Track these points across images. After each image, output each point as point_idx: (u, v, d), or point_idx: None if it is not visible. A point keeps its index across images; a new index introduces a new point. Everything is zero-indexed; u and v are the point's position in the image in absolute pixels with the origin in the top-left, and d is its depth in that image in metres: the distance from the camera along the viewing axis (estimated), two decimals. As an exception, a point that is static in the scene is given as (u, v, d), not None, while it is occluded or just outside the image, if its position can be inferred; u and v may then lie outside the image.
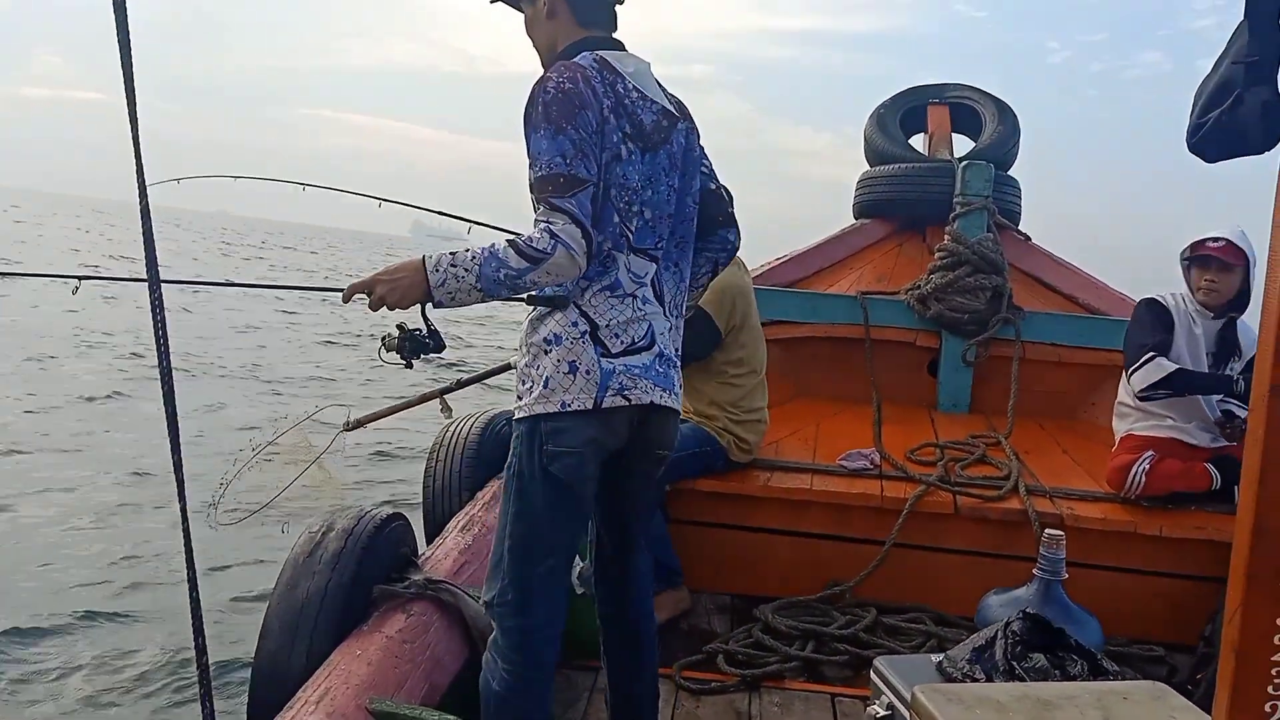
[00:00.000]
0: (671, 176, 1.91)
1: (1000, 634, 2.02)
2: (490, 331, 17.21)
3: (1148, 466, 3.08)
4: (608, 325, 1.80)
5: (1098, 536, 3.03)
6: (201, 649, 1.28)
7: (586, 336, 1.79)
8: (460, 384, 3.38)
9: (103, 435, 7.30)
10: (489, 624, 2.26)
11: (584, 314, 1.80)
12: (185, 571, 1.32)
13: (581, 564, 2.46)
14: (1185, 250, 3.14)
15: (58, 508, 5.51)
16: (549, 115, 1.72)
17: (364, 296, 1.77)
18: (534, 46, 1.98)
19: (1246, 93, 1.38)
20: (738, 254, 3.26)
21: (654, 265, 1.88)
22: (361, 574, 2.19)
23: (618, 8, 1.95)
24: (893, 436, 3.73)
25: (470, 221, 3.90)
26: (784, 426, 3.89)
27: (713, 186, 2.07)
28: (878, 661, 2.07)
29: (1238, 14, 1.39)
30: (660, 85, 1.96)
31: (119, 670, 3.74)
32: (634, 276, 1.84)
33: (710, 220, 2.07)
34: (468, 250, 1.72)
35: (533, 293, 1.78)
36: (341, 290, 1.81)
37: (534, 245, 1.67)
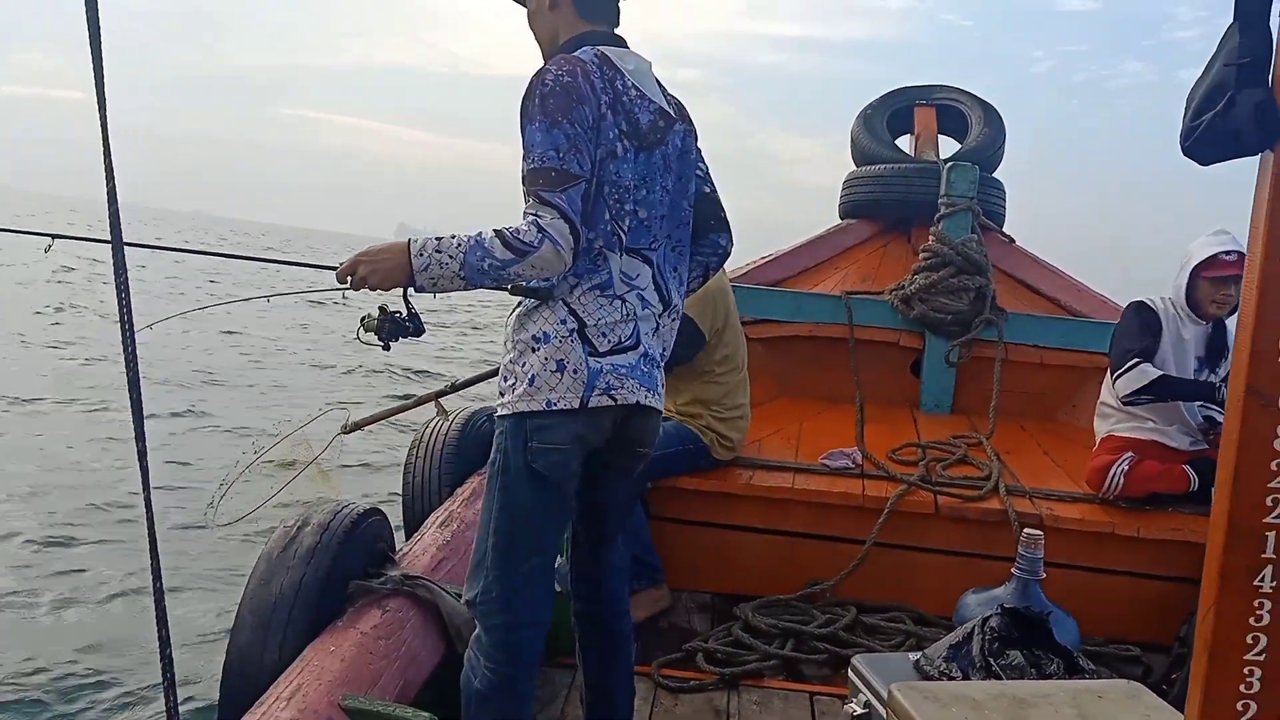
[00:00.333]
0: (666, 177, 1.90)
1: (977, 630, 2.02)
2: (485, 339, 17.14)
3: (1126, 467, 3.10)
4: (595, 324, 1.79)
5: (1076, 537, 3.04)
6: (165, 640, 1.26)
7: (575, 335, 1.78)
8: (455, 387, 3.36)
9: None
10: (466, 620, 2.24)
11: (572, 311, 1.79)
12: (150, 564, 1.30)
13: (559, 560, 2.45)
14: (1196, 264, 3.04)
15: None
16: (545, 108, 1.71)
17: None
18: (535, 39, 1.96)
19: (1239, 95, 1.38)
20: None
21: (648, 268, 1.87)
22: (337, 569, 2.17)
23: (621, 3, 1.94)
24: (875, 436, 3.74)
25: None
26: (767, 425, 3.89)
27: (707, 190, 2.05)
28: (855, 660, 2.07)
29: (1220, 25, 1.40)
30: (660, 85, 1.95)
31: (77, 660, 3.66)
32: (625, 277, 1.82)
33: (703, 224, 2.05)
34: (454, 237, 1.71)
35: (516, 283, 1.77)
36: (309, 265, 1.80)
37: (520, 238, 1.65)
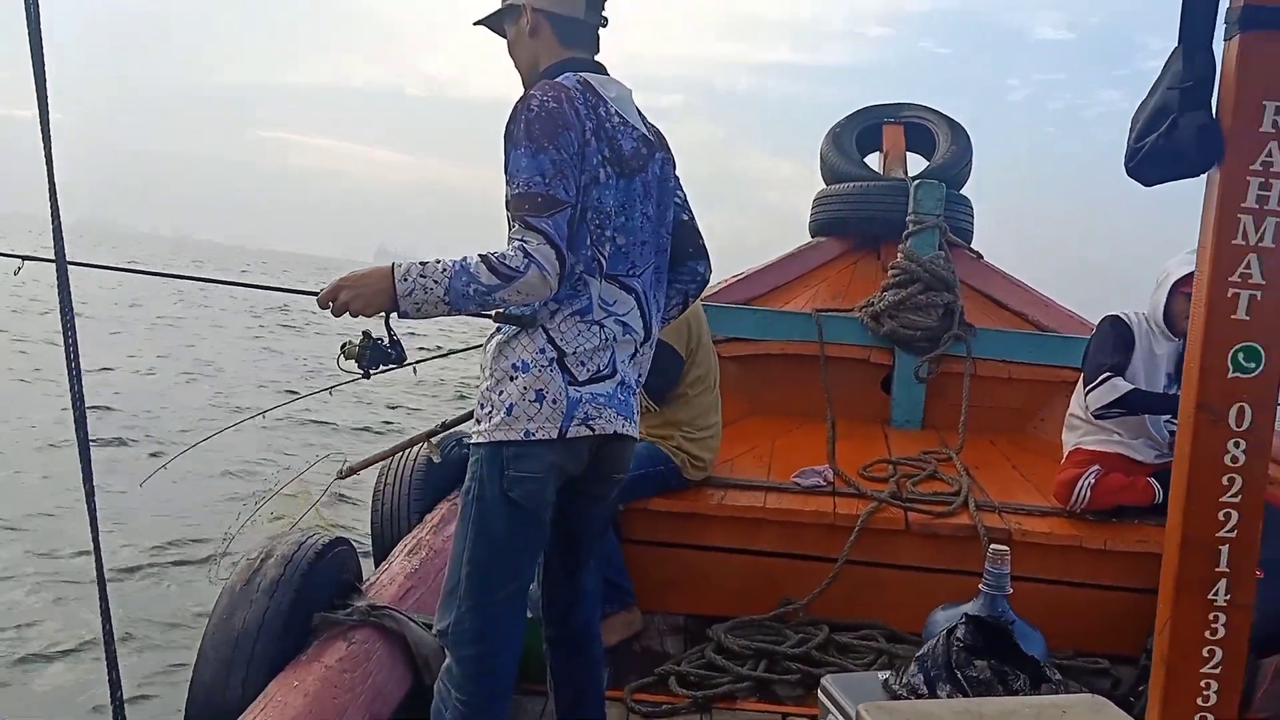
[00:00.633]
0: (646, 204, 1.91)
1: (944, 641, 2.03)
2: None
3: (1093, 481, 3.13)
4: (574, 352, 1.79)
5: (1045, 550, 3.06)
6: (115, 683, 1.24)
7: (554, 364, 1.78)
8: (446, 426, 3.35)
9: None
10: (434, 650, 2.22)
11: (551, 340, 1.78)
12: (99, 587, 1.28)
13: (531, 585, 2.44)
14: (1176, 280, 3.06)
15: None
16: (531, 133, 1.71)
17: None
18: (516, 66, 1.97)
19: (1182, 117, 1.42)
20: None
21: (627, 294, 1.87)
22: (301, 601, 2.15)
23: (600, 30, 1.95)
24: (847, 453, 3.75)
25: None
26: (739, 444, 3.89)
27: (685, 218, 2.06)
28: (825, 680, 2.07)
29: None
30: (640, 113, 1.96)
31: (23, 694, 3.57)
32: (603, 303, 1.83)
33: (681, 251, 2.06)
34: (438, 262, 1.70)
35: (500, 310, 1.76)
36: (289, 290, 1.78)
37: (507, 263, 1.65)
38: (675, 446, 3.22)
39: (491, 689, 1.84)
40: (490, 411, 1.79)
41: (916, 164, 5.58)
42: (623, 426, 1.86)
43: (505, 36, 1.97)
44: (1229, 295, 1.39)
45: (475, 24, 1.99)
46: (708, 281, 2.20)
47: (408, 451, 3.43)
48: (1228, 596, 1.47)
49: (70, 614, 4.26)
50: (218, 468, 6.76)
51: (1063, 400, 3.50)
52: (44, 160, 1.24)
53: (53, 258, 1.30)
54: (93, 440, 1.36)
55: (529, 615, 2.21)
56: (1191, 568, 1.49)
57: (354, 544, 2.50)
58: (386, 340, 1.80)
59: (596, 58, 1.94)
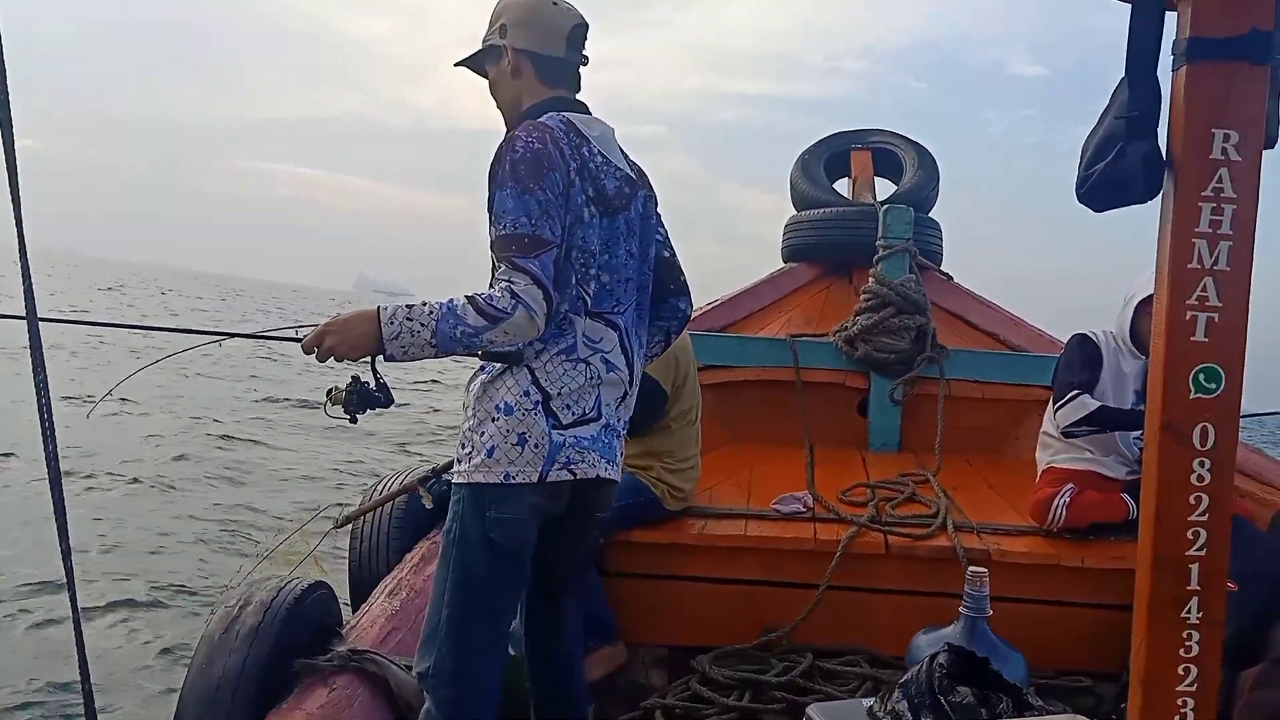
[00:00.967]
0: (630, 242, 1.93)
1: (925, 669, 2.04)
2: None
3: (1068, 499, 3.16)
4: (559, 394, 1.79)
5: (1024, 570, 3.08)
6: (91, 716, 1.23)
7: (539, 407, 1.78)
8: (436, 472, 3.34)
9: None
10: (416, 692, 2.20)
11: (536, 382, 1.78)
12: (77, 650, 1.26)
13: (513, 623, 2.42)
14: (1141, 299, 3.11)
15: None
16: (516, 174, 1.73)
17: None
18: (498, 106, 1.99)
19: (1129, 146, 1.46)
20: None
21: (612, 331, 1.88)
22: (281, 648, 2.12)
23: (581, 69, 1.97)
24: (825, 478, 3.77)
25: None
26: (718, 472, 3.90)
27: (666, 254, 2.08)
28: (811, 709, 2.07)
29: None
30: (622, 151, 1.98)
31: None
32: (588, 341, 1.84)
33: (663, 288, 2.08)
34: (425, 304, 1.70)
35: (487, 349, 1.76)
36: (270, 335, 1.77)
37: (494, 304, 1.66)
38: (655, 477, 3.22)
39: None
40: (471, 452, 1.80)
41: (885, 189, 5.67)
42: (605, 470, 1.87)
43: (487, 77, 1.99)
44: (1187, 318, 1.42)
45: (456, 65, 2.01)
46: (689, 318, 2.22)
47: (385, 490, 3.42)
48: (1200, 614, 1.49)
49: (44, 667, 4.17)
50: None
51: (1036, 419, 3.54)
52: (14, 220, 1.23)
53: (23, 314, 1.29)
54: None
55: (512, 653, 2.20)
56: (1163, 587, 1.51)
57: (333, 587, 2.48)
58: (373, 384, 1.80)
59: (578, 96, 1.97)
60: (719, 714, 2.70)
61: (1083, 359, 3.20)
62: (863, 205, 5.28)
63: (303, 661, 2.18)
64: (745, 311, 5.17)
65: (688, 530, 3.24)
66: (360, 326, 1.70)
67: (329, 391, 1.81)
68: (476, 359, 1.82)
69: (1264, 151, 1.40)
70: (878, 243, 4.73)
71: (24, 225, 1.28)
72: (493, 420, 1.78)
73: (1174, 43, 1.44)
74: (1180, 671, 1.49)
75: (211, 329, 2.27)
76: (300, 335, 1.77)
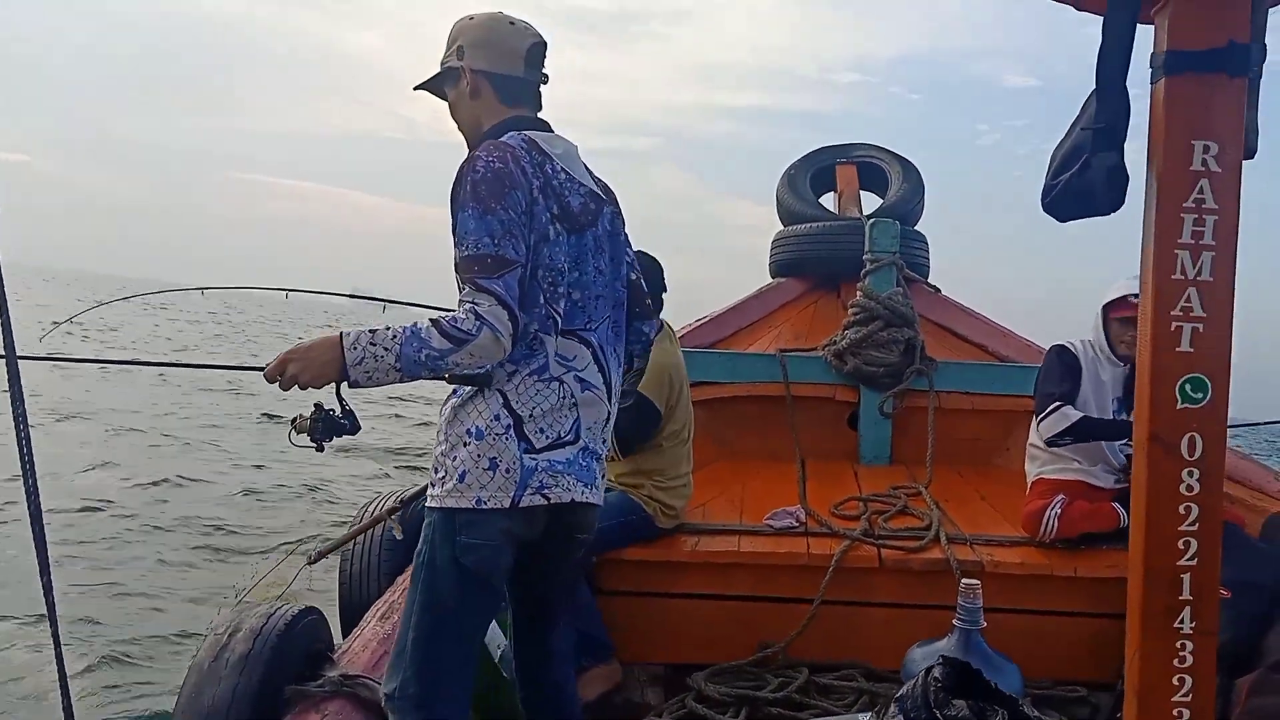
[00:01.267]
0: (599, 259, 1.91)
1: (920, 683, 2.03)
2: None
3: (1059, 511, 3.17)
4: (532, 416, 1.77)
5: (1017, 581, 3.08)
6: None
7: (510, 431, 1.76)
8: (405, 503, 3.33)
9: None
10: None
11: (508, 405, 1.77)
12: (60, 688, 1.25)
13: (504, 645, 2.40)
14: (1106, 306, 3.18)
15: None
16: (478, 194, 1.71)
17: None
18: (459, 128, 1.98)
19: (1094, 157, 1.47)
20: (668, 325, 3.31)
21: (585, 348, 1.86)
22: (271, 675, 2.10)
23: (542, 87, 1.97)
24: (818, 492, 3.77)
25: (385, 301, 3.91)
26: (711, 488, 3.89)
27: (633, 277, 2.06)
28: (806, 726, 2.06)
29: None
30: (587, 167, 1.97)
31: None
32: (561, 359, 1.82)
33: (628, 311, 2.04)
34: (388, 328, 1.68)
35: (454, 372, 1.75)
36: (234, 368, 1.76)
37: (459, 326, 1.64)
38: (647, 495, 3.22)
39: None
40: (444, 477, 1.78)
41: (870, 203, 5.69)
42: (581, 494, 1.84)
43: (446, 100, 1.98)
44: (1172, 329, 1.43)
45: (416, 89, 2.01)
46: (653, 342, 2.20)
47: (374, 512, 3.40)
48: (1193, 624, 1.49)
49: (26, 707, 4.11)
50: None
51: (1026, 429, 3.55)
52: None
53: (1, 352, 1.27)
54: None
55: (505, 676, 2.19)
56: (1156, 598, 1.51)
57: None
58: (339, 411, 1.77)
59: (540, 114, 1.97)
60: (715, 732, 2.68)
61: (1062, 370, 3.22)
62: (849, 219, 5.31)
63: (294, 688, 2.16)
64: (734, 327, 5.18)
65: (681, 547, 3.23)
66: (323, 353, 1.68)
67: (294, 420, 1.77)
68: (445, 382, 1.81)
69: (1244, 162, 1.42)
70: (864, 256, 4.75)
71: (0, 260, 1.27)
72: (464, 445, 1.76)
73: (1152, 56, 1.46)
74: (1175, 682, 1.49)
75: (196, 356, 2.27)
76: (263, 365, 1.75)
